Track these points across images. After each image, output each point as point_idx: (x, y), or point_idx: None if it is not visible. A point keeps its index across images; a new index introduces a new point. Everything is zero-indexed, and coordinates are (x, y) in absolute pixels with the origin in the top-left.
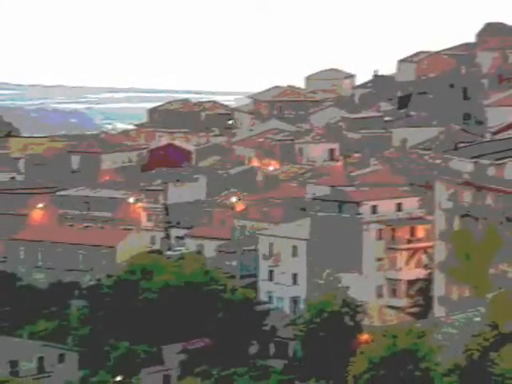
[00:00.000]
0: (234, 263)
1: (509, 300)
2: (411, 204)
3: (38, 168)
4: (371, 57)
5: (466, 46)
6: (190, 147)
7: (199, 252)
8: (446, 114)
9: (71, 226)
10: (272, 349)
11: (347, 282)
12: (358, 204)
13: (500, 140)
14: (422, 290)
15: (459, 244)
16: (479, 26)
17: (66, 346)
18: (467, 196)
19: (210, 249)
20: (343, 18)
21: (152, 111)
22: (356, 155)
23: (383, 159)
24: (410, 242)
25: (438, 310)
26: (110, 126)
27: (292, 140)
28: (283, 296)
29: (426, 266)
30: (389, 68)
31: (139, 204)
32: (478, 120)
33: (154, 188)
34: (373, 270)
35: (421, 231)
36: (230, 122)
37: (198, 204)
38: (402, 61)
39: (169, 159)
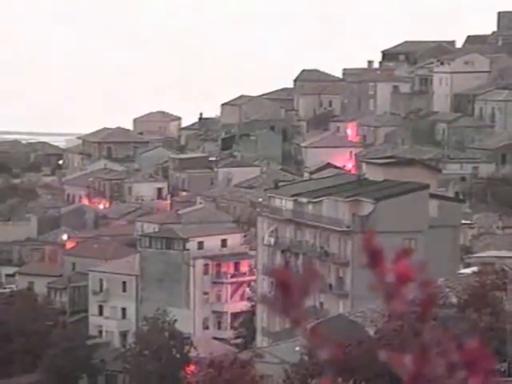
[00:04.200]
0: (65, 299)
1: (324, 330)
2: (235, 240)
3: None
4: (196, 99)
5: (285, 91)
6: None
7: (29, 289)
8: (267, 154)
9: None
10: (102, 382)
11: (175, 315)
12: (185, 240)
13: (317, 179)
14: (246, 321)
15: (279, 278)
16: (296, 72)
17: None
18: (288, 232)
19: (41, 285)
20: (169, 61)
21: None
22: (183, 194)
23: (208, 198)
24: (234, 276)
25: (261, 341)
26: None
27: (121, 179)
28: (113, 330)
29: (249, 299)
30: (212, 110)
31: None
32: (296, 160)
33: None
34: (200, 303)
35: (245, 266)
36: (60, 162)
37: (29, 242)
38: (225, 104)
39: None
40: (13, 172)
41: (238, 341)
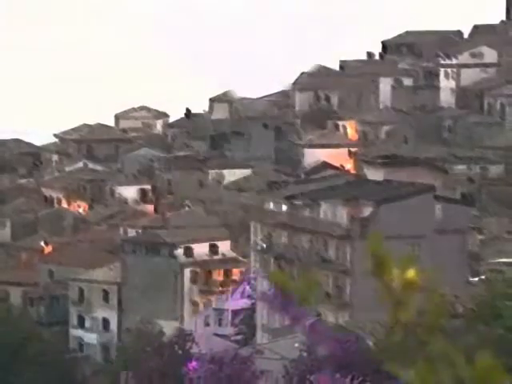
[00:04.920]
0: (42, 309)
1: (323, 326)
2: (226, 245)
3: None
4: (180, 94)
5: (283, 94)
6: None
7: (4, 299)
8: (260, 153)
9: None
10: None
11: (161, 325)
12: (173, 246)
13: (314, 180)
14: (246, 319)
15: (276, 284)
16: (295, 73)
17: None
18: (282, 237)
19: (16, 295)
20: (153, 55)
21: None
22: (169, 196)
23: (197, 200)
24: (224, 284)
25: (261, 337)
26: None
27: (102, 180)
28: (94, 342)
29: (249, 297)
30: (200, 105)
31: None
32: (292, 159)
33: None
34: (188, 313)
35: (236, 272)
36: (37, 161)
37: (2, 248)
38: (213, 100)
39: None
40: None
41: (239, 337)
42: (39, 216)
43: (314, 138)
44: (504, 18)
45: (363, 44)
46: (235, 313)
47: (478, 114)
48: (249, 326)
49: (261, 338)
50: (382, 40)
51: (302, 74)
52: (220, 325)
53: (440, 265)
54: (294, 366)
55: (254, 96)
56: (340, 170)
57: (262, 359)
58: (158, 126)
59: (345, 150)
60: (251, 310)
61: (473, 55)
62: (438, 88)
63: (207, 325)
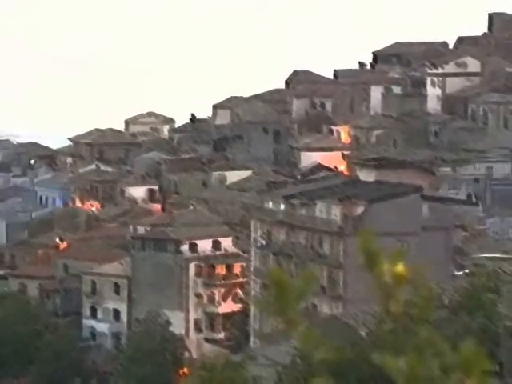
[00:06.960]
0: (58, 301)
1: (317, 333)
2: (228, 242)
3: None
4: (186, 100)
5: (277, 92)
6: None
7: (22, 291)
8: (260, 156)
9: None
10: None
11: (168, 317)
12: (178, 242)
13: (310, 181)
14: (238, 323)
15: (273, 280)
16: (288, 72)
17: None
18: (280, 234)
19: (33, 288)
20: (158, 60)
21: None
22: (175, 196)
23: (201, 200)
24: (226, 278)
25: (254, 343)
26: None
27: (113, 181)
28: (106, 332)
29: (242, 301)
30: (204, 111)
31: None
32: (289, 162)
33: None
34: (192, 305)
35: (237, 268)
36: (52, 164)
37: (21, 244)
38: (216, 106)
39: None
40: None
41: (231, 343)
42: (55, 214)
43: (310, 142)
44: (486, 31)
45: (355, 54)
46: (227, 317)
47: (462, 119)
48: (241, 331)
49: (253, 342)
50: (373, 51)
51: (294, 72)
52: (212, 330)
53: (427, 259)
54: (286, 373)
55: (246, 94)
56: (334, 171)
57: (255, 366)
58: (165, 130)
59: (338, 153)
60: (243, 314)
61: (458, 65)
62: (425, 95)
63: (198, 330)
